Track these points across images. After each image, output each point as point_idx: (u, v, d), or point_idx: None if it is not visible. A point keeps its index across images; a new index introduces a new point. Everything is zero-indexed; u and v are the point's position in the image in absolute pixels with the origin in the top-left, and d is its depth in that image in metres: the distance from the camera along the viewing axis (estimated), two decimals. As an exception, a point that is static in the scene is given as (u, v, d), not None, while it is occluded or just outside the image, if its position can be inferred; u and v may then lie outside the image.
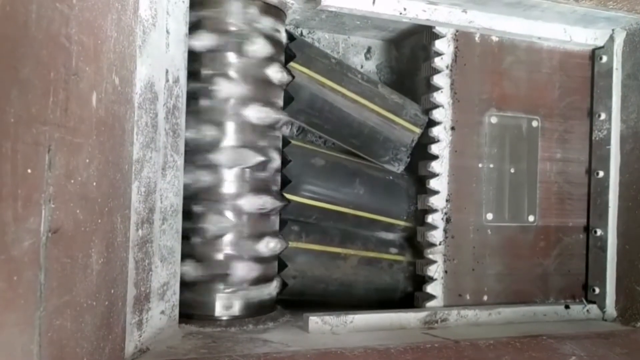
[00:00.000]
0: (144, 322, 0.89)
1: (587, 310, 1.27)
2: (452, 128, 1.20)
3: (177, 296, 0.99)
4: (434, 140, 1.20)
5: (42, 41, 0.52)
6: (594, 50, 1.31)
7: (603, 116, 1.28)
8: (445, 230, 1.19)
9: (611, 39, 1.27)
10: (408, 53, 1.40)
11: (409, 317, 1.12)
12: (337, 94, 1.22)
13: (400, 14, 1.14)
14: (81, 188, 0.61)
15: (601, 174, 1.28)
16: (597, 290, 1.27)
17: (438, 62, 1.20)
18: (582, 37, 1.28)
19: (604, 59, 1.28)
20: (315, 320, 1.05)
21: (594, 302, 1.28)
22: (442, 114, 1.20)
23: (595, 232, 1.28)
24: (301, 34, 1.38)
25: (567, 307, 1.25)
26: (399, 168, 1.27)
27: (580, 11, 1.17)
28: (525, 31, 1.23)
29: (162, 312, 0.95)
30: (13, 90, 0.47)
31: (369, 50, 1.46)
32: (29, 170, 0.50)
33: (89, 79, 0.63)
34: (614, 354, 1.04)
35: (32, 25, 0.50)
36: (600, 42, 1.29)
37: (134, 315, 0.86)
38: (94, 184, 0.65)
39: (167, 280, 0.96)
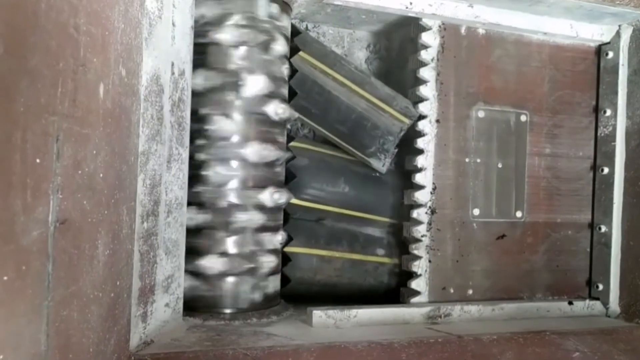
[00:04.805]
0: (148, 315, 0.89)
1: (589, 307, 1.26)
2: (438, 121, 1.19)
3: (182, 289, 1.00)
4: (420, 134, 1.19)
5: (51, 31, 0.52)
6: (600, 46, 1.30)
7: (608, 112, 1.28)
8: (429, 224, 1.19)
9: (617, 34, 1.27)
10: (397, 46, 1.39)
11: (413, 312, 1.12)
12: (328, 77, 1.21)
13: (407, 8, 1.14)
14: (88, 179, 0.61)
15: (606, 170, 1.28)
16: (601, 287, 1.27)
17: (424, 54, 1.19)
18: (589, 33, 1.27)
19: (610, 54, 1.28)
20: (319, 315, 1.05)
21: (597, 299, 1.28)
22: (428, 108, 1.19)
23: (600, 228, 1.28)
24: (306, 28, 1.38)
25: (570, 303, 1.25)
26: (384, 162, 1.23)
27: (586, 6, 1.17)
28: (532, 27, 1.23)
29: (167, 305, 0.95)
30: (23, 80, 0.47)
31: (375, 45, 1.46)
32: (38, 160, 0.50)
33: (97, 70, 0.63)
34: (617, 350, 1.04)
35: (42, 15, 0.50)
36: (606, 38, 1.28)
37: (138, 308, 0.86)
38: (101, 175, 0.65)
39: (171, 273, 0.96)
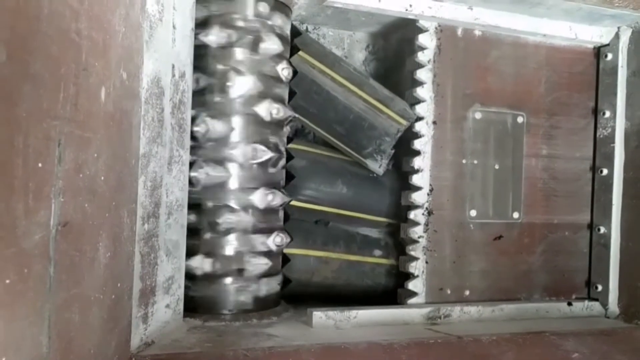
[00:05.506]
0: (149, 316, 0.90)
1: (589, 308, 1.27)
2: (435, 123, 1.19)
3: (182, 290, 1.00)
4: (417, 136, 1.19)
5: (53, 36, 0.52)
6: (599, 48, 1.31)
7: (608, 114, 1.28)
8: (426, 225, 1.19)
9: (616, 36, 1.27)
10: (394, 47, 1.39)
11: (413, 313, 1.13)
12: (326, 77, 1.21)
13: (407, 10, 1.15)
14: (90, 182, 0.62)
15: (605, 171, 1.28)
16: (600, 288, 1.28)
17: (421, 56, 1.19)
18: (588, 35, 1.28)
19: (609, 56, 1.28)
20: (319, 315, 1.06)
21: (596, 300, 1.28)
22: (425, 109, 1.19)
23: (599, 229, 1.29)
24: (306, 30, 1.38)
25: (569, 304, 1.25)
26: (381, 163, 1.23)
27: (586, 9, 1.17)
28: (531, 29, 1.23)
29: (167, 306, 0.96)
30: (25, 85, 0.47)
31: (373, 46, 1.46)
32: (40, 164, 0.50)
33: (98, 74, 0.63)
34: (617, 350, 1.05)
35: (44, 20, 0.50)
36: (605, 40, 1.29)
37: (139, 309, 0.87)
38: (102, 178, 0.66)
39: (172, 274, 0.97)
